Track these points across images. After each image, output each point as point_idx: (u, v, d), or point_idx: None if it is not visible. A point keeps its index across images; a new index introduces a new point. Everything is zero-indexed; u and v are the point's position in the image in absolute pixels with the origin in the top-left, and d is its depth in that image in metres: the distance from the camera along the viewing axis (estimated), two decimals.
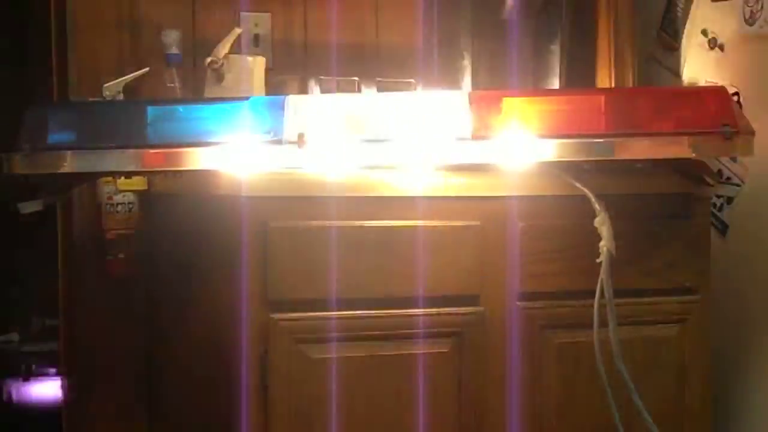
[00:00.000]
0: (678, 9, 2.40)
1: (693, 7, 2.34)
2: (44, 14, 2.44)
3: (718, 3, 2.24)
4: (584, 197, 1.85)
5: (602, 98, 1.78)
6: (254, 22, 2.44)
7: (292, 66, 2.43)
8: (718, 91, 1.85)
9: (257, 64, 2.26)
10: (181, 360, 2.13)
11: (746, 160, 2.13)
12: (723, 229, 2.22)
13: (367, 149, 1.72)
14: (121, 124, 1.73)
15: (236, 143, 1.69)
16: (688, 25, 2.36)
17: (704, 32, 2.29)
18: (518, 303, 1.88)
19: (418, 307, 1.82)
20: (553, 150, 1.74)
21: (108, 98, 2.19)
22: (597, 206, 1.85)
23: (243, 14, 2.43)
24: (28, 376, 3.33)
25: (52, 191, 1.85)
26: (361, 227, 1.80)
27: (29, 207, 1.81)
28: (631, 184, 1.93)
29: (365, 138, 1.72)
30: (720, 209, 2.22)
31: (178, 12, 2.40)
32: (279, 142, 1.69)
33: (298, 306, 1.77)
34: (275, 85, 2.28)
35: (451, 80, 2.39)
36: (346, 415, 1.78)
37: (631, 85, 2.51)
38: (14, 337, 3.48)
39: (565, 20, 2.65)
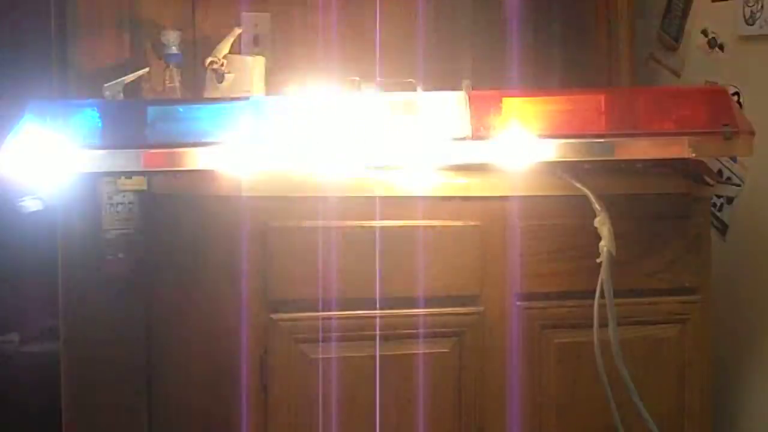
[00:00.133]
0: (678, 9, 2.40)
1: (693, 7, 2.35)
2: (44, 14, 2.44)
3: (718, 3, 2.24)
4: (584, 197, 1.85)
5: (602, 98, 1.78)
6: (254, 22, 2.44)
7: (292, 66, 2.43)
8: (718, 91, 1.85)
9: (257, 64, 2.26)
10: (181, 360, 2.13)
11: (746, 160, 2.13)
12: (723, 229, 2.22)
13: (367, 149, 1.72)
14: (121, 124, 1.73)
15: (236, 143, 1.69)
16: (688, 25, 2.36)
17: (704, 32, 2.29)
18: (518, 303, 1.88)
19: (418, 307, 1.82)
20: (553, 150, 1.74)
21: (108, 98, 2.18)
22: (597, 206, 1.85)
23: (243, 14, 2.43)
24: None
25: (51, 191, 1.85)
26: (361, 227, 1.80)
27: (29, 207, 1.81)
28: (631, 184, 1.93)
29: (365, 138, 1.72)
30: (720, 209, 2.22)
31: (178, 12, 2.40)
32: (279, 142, 1.69)
33: (298, 306, 1.77)
34: (275, 85, 2.28)
35: (451, 80, 2.38)
36: (346, 415, 1.78)
37: (631, 85, 2.51)
38: (14, 337, 3.48)
39: (565, 20, 2.65)
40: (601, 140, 1.74)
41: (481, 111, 1.74)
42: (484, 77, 2.50)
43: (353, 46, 2.48)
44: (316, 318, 1.77)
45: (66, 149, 1.70)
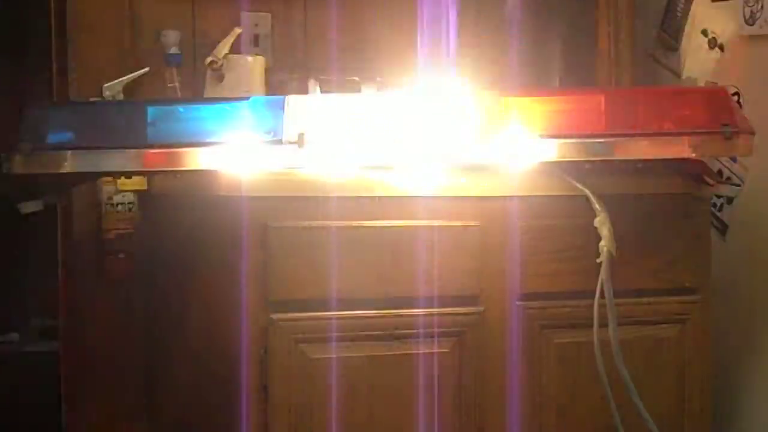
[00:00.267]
0: (678, 9, 2.40)
1: (693, 7, 2.35)
2: (44, 14, 2.44)
3: (718, 3, 2.24)
4: (584, 197, 1.85)
5: (602, 98, 1.78)
6: (254, 22, 2.45)
7: (292, 66, 2.43)
8: (718, 91, 1.85)
9: (257, 64, 2.26)
10: (181, 360, 2.13)
11: (746, 160, 2.13)
12: (723, 229, 2.22)
13: (367, 149, 1.72)
14: (121, 124, 1.73)
15: (236, 143, 1.69)
16: (688, 25, 2.36)
17: (704, 32, 2.29)
18: (518, 303, 1.88)
19: (418, 307, 1.82)
20: (553, 150, 1.74)
21: (108, 98, 2.19)
22: (597, 206, 1.85)
23: (243, 14, 2.43)
24: None
25: (52, 191, 1.85)
26: (361, 227, 1.80)
27: (29, 207, 1.81)
28: (631, 184, 1.93)
29: (365, 138, 1.72)
30: (720, 209, 2.22)
31: (178, 12, 2.40)
32: (279, 142, 1.69)
33: (298, 306, 1.77)
34: (275, 85, 2.28)
35: (452, 80, 2.39)
36: (346, 415, 1.78)
37: (631, 85, 2.51)
38: (14, 337, 3.48)
39: (565, 20, 2.65)
40: (601, 140, 1.74)
41: (481, 111, 1.74)
42: (486, 77, 2.51)
43: (353, 46, 2.48)
44: (316, 318, 1.77)
45: (66, 149, 1.70)
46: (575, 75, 2.60)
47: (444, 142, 1.73)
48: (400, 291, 1.82)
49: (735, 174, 2.18)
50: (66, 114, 1.77)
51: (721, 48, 2.23)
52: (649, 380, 1.92)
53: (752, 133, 1.76)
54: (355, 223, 1.80)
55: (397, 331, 1.82)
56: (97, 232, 2.30)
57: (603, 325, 1.84)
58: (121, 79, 2.19)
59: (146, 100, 2.19)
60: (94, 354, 2.33)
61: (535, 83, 2.51)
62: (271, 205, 1.76)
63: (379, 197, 1.81)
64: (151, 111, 1.73)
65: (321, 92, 2.23)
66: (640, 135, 1.75)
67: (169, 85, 2.27)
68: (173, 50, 2.29)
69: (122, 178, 2.20)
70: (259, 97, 1.94)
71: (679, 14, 2.40)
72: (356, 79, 2.20)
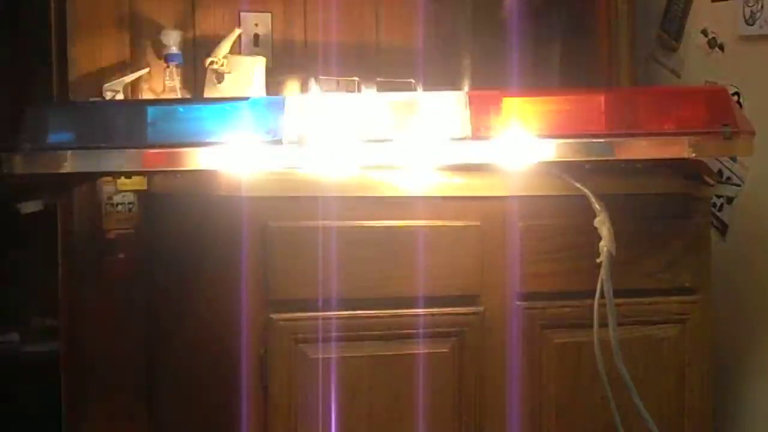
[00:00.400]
0: (678, 9, 2.40)
1: (693, 7, 2.35)
2: (44, 14, 2.44)
3: (718, 3, 2.24)
4: (584, 197, 1.85)
5: (602, 98, 1.78)
6: (254, 22, 2.44)
7: (292, 66, 2.43)
8: (718, 91, 1.85)
9: (257, 64, 2.26)
10: (181, 360, 2.13)
11: (746, 160, 2.13)
12: (723, 229, 2.22)
13: (367, 149, 1.72)
14: (121, 124, 1.73)
15: (236, 143, 1.69)
16: (688, 25, 2.36)
17: (704, 32, 2.29)
18: (518, 303, 1.88)
19: (418, 307, 1.82)
20: (553, 150, 1.74)
21: (108, 98, 2.19)
22: (597, 206, 1.85)
23: (243, 14, 2.43)
24: None
25: (52, 191, 1.85)
26: (361, 227, 1.80)
27: (29, 207, 1.81)
28: (631, 184, 1.93)
29: (365, 138, 1.72)
30: (720, 209, 2.22)
31: (178, 12, 2.40)
32: (279, 142, 1.69)
33: (298, 306, 1.77)
34: (275, 85, 2.28)
35: (451, 80, 2.39)
36: (346, 415, 1.78)
37: (631, 85, 2.51)
38: (14, 337, 3.48)
39: (565, 20, 2.65)
40: (601, 140, 1.74)
41: (481, 111, 1.74)
42: (484, 77, 2.51)
43: (353, 46, 2.48)
44: (316, 318, 1.77)
45: (66, 149, 1.70)
46: (575, 75, 2.60)
47: (444, 142, 1.73)
48: (400, 291, 1.82)
49: (735, 174, 2.18)
50: (66, 114, 1.76)
51: (721, 48, 2.23)
52: (649, 380, 1.92)
53: (752, 133, 1.76)
54: (355, 223, 1.80)
55: (397, 331, 1.82)
56: (97, 232, 2.30)
57: (603, 325, 1.84)
58: (121, 79, 2.19)
59: (146, 100, 2.19)
60: (94, 354, 2.33)
61: (535, 83, 2.51)
62: (271, 205, 1.77)
63: (380, 197, 1.82)
64: (151, 111, 1.73)
65: (321, 92, 2.23)
66: (640, 135, 1.75)
67: (169, 85, 2.27)
68: (173, 50, 2.29)
69: (122, 178, 2.20)
70: (259, 97, 1.95)
71: (679, 14, 2.40)
72: (356, 79, 2.20)
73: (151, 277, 2.29)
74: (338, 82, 2.22)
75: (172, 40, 2.29)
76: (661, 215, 1.96)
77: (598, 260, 1.84)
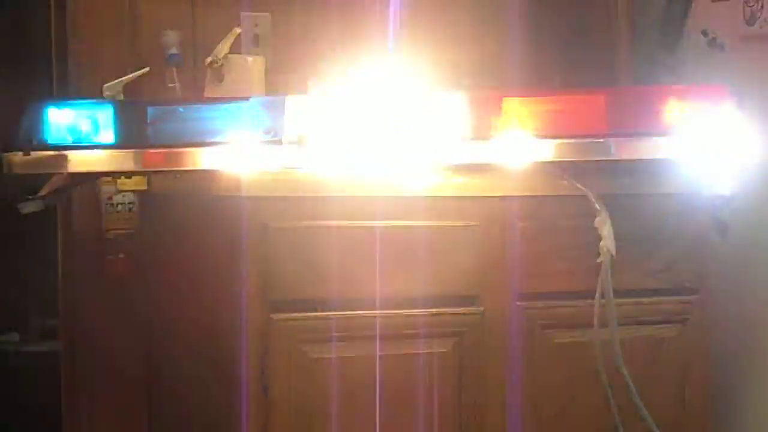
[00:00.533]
0: (678, 9, 2.40)
1: (693, 7, 2.34)
2: (44, 14, 2.44)
3: (718, 3, 2.24)
4: (584, 197, 1.85)
5: (602, 98, 1.78)
6: (254, 22, 2.44)
7: (292, 66, 2.43)
8: (718, 91, 1.85)
9: (257, 64, 2.26)
10: (181, 360, 2.13)
11: (746, 160, 2.12)
12: (723, 229, 2.22)
13: (367, 149, 1.72)
14: (121, 124, 1.73)
15: (236, 143, 1.69)
16: (688, 25, 2.36)
17: (704, 32, 2.29)
18: (518, 303, 1.88)
19: (418, 307, 1.82)
20: (553, 150, 1.74)
21: (108, 98, 2.18)
22: (597, 206, 1.85)
23: (243, 14, 2.43)
24: None
25: (52, 191, 1.85)
26: (361, 227, 1.80)
27: (29, 207, 1.81)
28: (631, 184, 1.93)
29: (365, 138, 1.72)
30: (720, 209, 2.22)
31: (178, 12, 2.40)
32: (279, 142, 1.69)
33: (298, 306, 1.77)
34: (275, 85, 2.28)
35: (452, 80, 2.39)
36: (346, 415, 1.78)
37: (631, 85, 2.51)
38: (14, 337, 3.48)
39: (565, 20, 2.65)
40: (601, 140, 1.74)
41: (481, 111, 1.74)
42: (484, 77, 2.51)
43: (353, 46, 2.48)
44: (316, 318, 1.77)
45: (66, 149, 1.70)
46: (575, 75, 2.60)
47: (444, 143, 1.73)
48: (400, 291, 1.82)
49: (735, 174, 2.17)
50: (66, 114, 1.76)
51: (721, 48, 2.23)
52: (649, 380, 1.92)
53: (752, 134, 1.76)
54: (355, 223, 1.80)
55: (397, 331, 1.82)
56: (97, 232, 2.30)
57: (603, 325, 1.84)
58: (121, 79, 2.19)
59: (146, 100, 2.19)
60: (94, 354, 2.33)
61: (535, 83, 2.51)
62: (271, 205, 1.76)
63: (380, 197, 1.82)
64: (151, 111, 1.73)
65: (321, 92, 2.22)
66: (640, 135, 1.75)
67: (169, 85, 2.27)
68: (173, 50, 2.29)
69: (122, 178, 2.20)
70: (259, 97, 1.94)
71: (679, 14, 2.40)
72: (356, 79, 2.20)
73: (151, 277, 2.29)
74: (338, 82, 2.22)
75: (172, 40, 2.29)
76: (661, 215, 1.96)
77: (598, 260, 1.84)
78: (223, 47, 2.20)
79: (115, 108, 1.79)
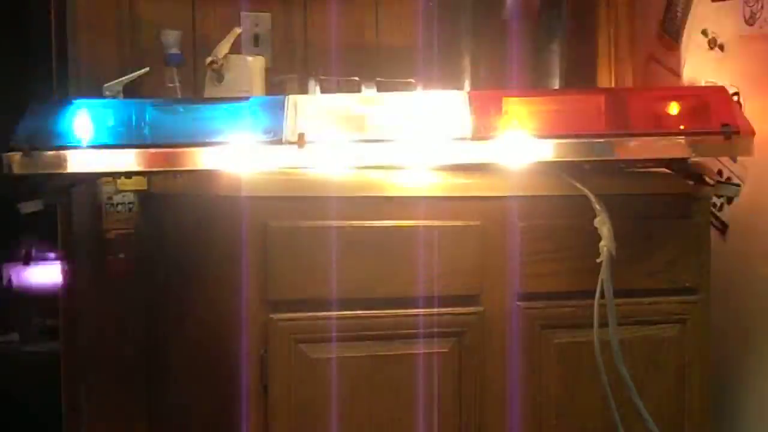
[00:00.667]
0: (678, 9, 2.40)
1: (693, 7, 2.34)
2: (44, 14, 2.44)
3: (718, 3, 2.24)
4: (584, 197, 1.85)
5: (602, 98, 1.78)
6: (254, 22, 2.44)
7: (292, 66, 2.43)
8: (718, 91, 1.85)
9: (257, 64, 2.26)
10: (181, 360, 2.13)
11: (746, 160, 2.12)
12: (723, 229, 2.22)
13: (367, 149, 1.72)
14: (121, 124, 1.73)
15: (236, 143, 1.69)
16: (688, 25, 2.36)
17: (704, 32, 2.29)
18: (518, 303, 1.88)
19: (418, 307, 1.82)
20: (553, 150, 1.74)
21: (108, 98, 2.18)
22: (597, 206, 1.85)
23: (243, 14, 2.43)
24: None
25: (52, 191, 1.85)
26: (361, 227, 1.80)
27: (29, 207, 1.81)
28: (631, 184, 1.93)
29: (365, 138, 1.72)
30: (720, 209, 2.22)
31: (178, 12, 2.40)
32: (279, 142, 1.70)
33: (298, 306, 1.77)
34: (275, 85, 2.28)
35: (451, 80, 2.39)
36: (346, 415, 1.78)
37: (631, 85, 2.51)
38: (14, 337, 3.48)
39: (565, 20, 2.65)
40: (601, 140, 1.74)
41: (481, 111, 1.74)
42: (484, 77, 2.50)
43: (353, 46, 2.48)
44: (316, 318, 1.77)
45: (66, 149, 1.70)
46: (575, 75, 2.60)
47: (444, 142, 1.73)
48: (400, 291, 1.82)
49: (735, 174, 2.18)
50: (66, 114, 1.76)
51: (721, 48, 2.23)
52: (649, 380, 1.92)
53: (752, 133, 1.76)
54: (355, 223, 1.80)
55: (397, 331, 1.82)
56: (97, 232, 2.30)
57: (603, 325, 1.84)
58: (121, 79, 2.19)
59: (146, 100, 2.19)
60: (94, 354, 2.33)
61: (535, 83, 2.51)
62: (271, 205, 1.76)
63: (380, 197, 1.82)
64: (151, 111, 1.73)
65: (321, 92, 2.22)
66: (640, 135, 1.75)
67: (169, 85, 2.27)
68: (173, 50, 2.28)
69: (122, 178, 2.20)
70: (259, 97, 1.95)
71: (679, 14, 2.39)
72: (356, 79, 2.20)
73: (151, 277, 2.29)
74: (338, 82, 2.22)
75: (172, 40, 2.29)
76: (661, 215, 1.96)
77: (598, 260, 1.84)
78: (223, 47, 2.20)
79: (115, 108, 1.79)
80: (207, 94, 2.21)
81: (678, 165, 1.90)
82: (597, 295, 1.84)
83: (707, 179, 1.96)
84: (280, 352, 1.75)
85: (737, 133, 1.75)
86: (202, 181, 1.88)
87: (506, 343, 1.87)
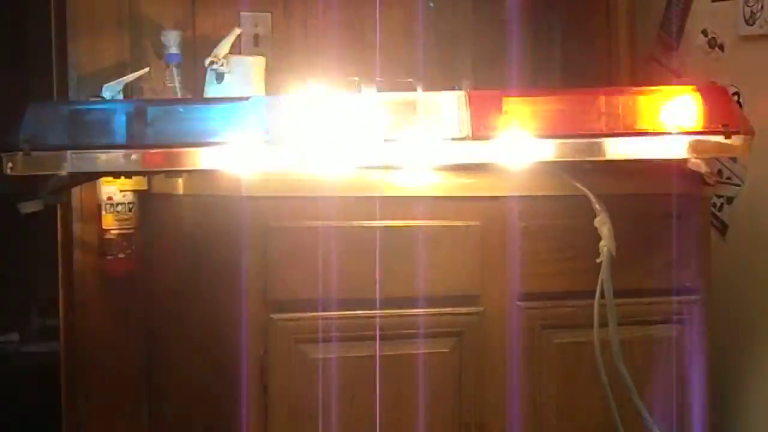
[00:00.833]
0: (678, 9, 2.40)
1: (693, 7, 2.35)
2: (44, 14, 2.44)
3: (718, 3, 2.24)
4: (584, 197, 1.85)
5: (602, 98, 1.78)
6: (254, 22, 2.45)
7: (292, 66, 2.43)
8: (718, 91, 1.85)
9: (257, 64, 2.26)
10: (181, 360, 2.13)
11: (746, 160, 2.13)
12: (723, 229, 2.22)
13: (367, 149, 1.72)
14: (121, 124, 1.73)
15: (236, 143, 1.69)
16: (688, 25, 2.36)
17: (704, 32, 2.29)
18: (518, 303, 1.88)
19: (418, 307, 1.82)
20: (553, 150, 1.74)
21: (108, 98, 2.19)
22: (597, 206, 1.85)
23: (243, 14, 2.43)
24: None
25: (52, 191, 1.85)
26: (361, 227, 1.80)
27: (29, 207, 1.81)
28: (631, 184, 1.93)
29: (365, 138, 1.72)
30: (720, 209, 2.22)
31: (178, 12, 2.40)
32: (279, 142, 1.69)
33: (298, 306, 1.77)
34: (275, 85, 2.28)
35: (451, 80, 2.39)
36: (346, 415, 1.78)
37: (630, 85, 2.51)
38: (14, 337, 3.48)
39: (565, 20, 2.65)
40: (601, 140, 1.74)
41: (481, 111, 1.74)
42: (484, 77, 2.51)
43: (353, 46, 2.48)
44: (316, 318, 1.77)
45: (66, 149, 1.70)
46: (575, 75, 2.60)
47: (444, 143, 1.73)
48: (400, 291, 1.82)
49: (735, 174, 2.18)
50: (66, 114, 1.76)
51: (721, 48, 2.23)
52: (649, 380, 1.92)
53: (752, 133, 1.76)
54: (355, 223, 1.80)
55: (397, 331, 1.82)
56: (97, 232, 2.30)
57: (603, 325, 1.84)
58: (121, 79, 2.19)
59: (146, 100, 2.19)
60: (94, 354, 2.33)
61: (535, 83, 2.51)
62: (271, 205, 1.76)
63: (380, 197, 1.82)
64: (151, 111, 1.73)
65: (321, 92, 2.22)
66: (640, 135, 1.75)
67: (169, 85, 2.27)
68: (173, 50, 2.29)
69: (122, 178, 2.20)
70: (259, 97, 1.94)
71: (679, 14, 2.40)
72: (356, 79, 2.20)
73: (151, 277, 2.29)
74: (338, 82, 2.22)
75: (172, 40, 2.29)
76: (661, 215, 1.96)
77: (598, 260, 1.84)
78: (223, 47, 2.20)
79: (115, 108, 1.79)
80: (207, 94, 2.21)
81: (678, 165, 1.90)
82: (597, 295, 1.84)
83: (707, 179, 1.96)
84: (280, 352, 1.75)
85: (737, 133, 1.75)
86: (202, 181, 1.88)
87: (506, 343, 1.87)
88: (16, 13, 3.42)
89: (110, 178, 2.23)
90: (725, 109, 1.78)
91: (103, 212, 2.28)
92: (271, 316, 1.75)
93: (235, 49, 2.26)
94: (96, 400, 2.33)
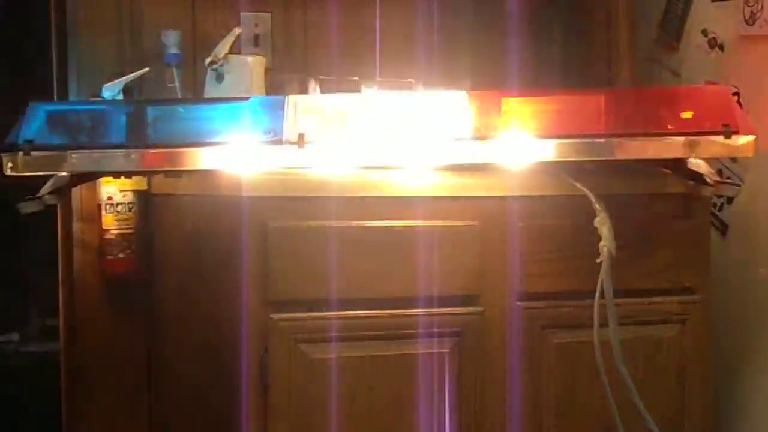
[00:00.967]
0: (678, 9, 2.40)
1: (693, 7, 2.35)
2: (44, 14, 2.44)
3: (718, 3, 2.24)
4: (584, 197, 1.85)
5: (602, 98, 1.78)
6: (254, 22, 2.45)
7: (292, 66, 2.43)
8: (718, 91, 1.85)
9: (257, 64, 2.26)
10: (181, 360, 2.13)
11: (746, 160, 2.12)
12: (723, 229, 2.22)
13: (367, 149, 1.72)
14: (121, 124, 1.73)
15: (236, 143, 1.69)
16: (688, 25, 2.36)
17: (704, 32, 2.29)
18: (518, 303, 1.88)
19: (418, 307, 1.82)
20: (553, 150, 1.74)
21: (108, 98, 2.18)
22: (597, 206, 1.85)
23: (243, 14, 2.43)
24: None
25: (52, 191, 1.85)
26: (361, 227, 1.80)
27: (29, 207, 1.81)
28: (631, 184, 1.93)
29: (365, 138, 1.72)
30: (720, 209, 2.22)
31: (178, 12, 2.40)
32: (279, 142, 1.69)
33: (298, 306, 1.77)
34: (275, 85, 2.28)
35: (451, 80, 2.39)
36: (346, 415, 1.78)
37: (631, 85, 2.51)
38: (14, 337, 3.48)
39: (565, 20, 2.65)
40: (601, 140, 1.74)
41: (481, 111, 1.74)
42: (484, 77, 2.51)
43: (353, 46, 2.48)
44: (316, 318, 1.77)
45: (66, 149, 1.70)
46: (575, 75, 2.60)
47: (444, 142, 1.73)
48: (400, 291, 1.82)
49: (735, 174, 2.18)
50: (66, 114, 1.76)
51: (721, 48, 2.23)
52: (649, 380, 1.92)
53: (752, 133, 1.76)
54: (355, 223, 1.80)
55: (397, 331, 1.82)
56: (97, 232, 2.30)
57: (603, 325, 1.84)
58: (121, 79, 2.19)
59: (146, 100, 2.19)
60: (94, 354, 2.33)
61: (535, 83, 2.51)
62: (271, 205, 1.77)
63: (380, 197, 1.82)
64: (151, 111, 1.73)
65: (321, 92, 2.22)
66: (640, 135, 1.75)
67: (169, 85, 2.27)
68: (173, 50, 2.28)
69: (122, 178, 2.20)
70: (259, 97, 1.94)
71: (679, 14, 2.40)
72: (356, 79, 2.20)
73: (151, 277, 2.29)
74: (338, 82, 2.22)
75: (172, 40, 2.29)
76: (661, 215, 1.96)
77: (598, 260, 1.84)
78: (223, 47, 2.20)
79: (115, 108, 1.79)
80: (207, 94, 2.21)
81: (678, 165, 1.90)
82: (597, 295, 1.84)
83: (707, 179, 1.96)
84: (280, 352, 1.75)
85: (737, 133, 1.75)
86: (202, 181, 1.88)
87: (506, 343, 1.87)
88: (16, 13, 3.42)
89: (110, 178, 2.23)
90: (725, 109, 1.78)
91: (103, 212, 2.28)
92: (271, 316, 1.75)
93: (235, 49, 2.25)
94: (96, 400, 2.33)
